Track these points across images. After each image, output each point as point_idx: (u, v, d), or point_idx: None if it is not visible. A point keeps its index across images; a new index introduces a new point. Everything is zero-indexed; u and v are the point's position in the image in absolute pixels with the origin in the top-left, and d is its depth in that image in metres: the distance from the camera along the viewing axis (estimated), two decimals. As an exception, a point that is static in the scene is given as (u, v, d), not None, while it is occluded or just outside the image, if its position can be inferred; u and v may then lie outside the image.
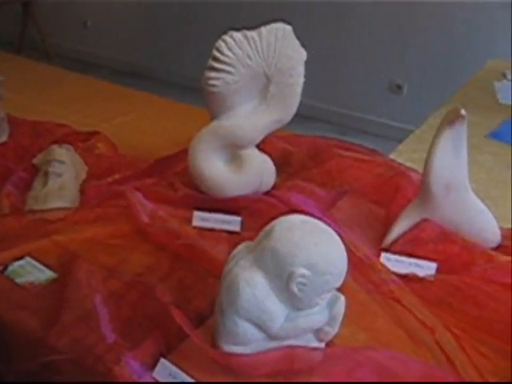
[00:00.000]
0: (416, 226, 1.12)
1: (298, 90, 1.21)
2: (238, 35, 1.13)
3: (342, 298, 0.85)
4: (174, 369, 0.85)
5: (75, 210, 1.18)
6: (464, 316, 0.97)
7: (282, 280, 0.80)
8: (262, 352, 0.83)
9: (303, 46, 1.18)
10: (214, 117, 1.20)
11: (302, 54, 1.20)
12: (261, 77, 1.17)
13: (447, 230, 1.09)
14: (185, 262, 1.06)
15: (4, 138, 1.49)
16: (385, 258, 1.08)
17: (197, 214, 1.16)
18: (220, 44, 1.13)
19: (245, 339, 0.83)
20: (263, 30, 1.15)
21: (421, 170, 1.32)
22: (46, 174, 1.22)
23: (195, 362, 0.86)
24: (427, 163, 1.08)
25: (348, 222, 1.20)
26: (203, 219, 1.16)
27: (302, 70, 1.21)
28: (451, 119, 1.06)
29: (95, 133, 1.45)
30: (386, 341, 0.93)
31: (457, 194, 1.10)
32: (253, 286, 0.80)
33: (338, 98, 3.02)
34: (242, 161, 1.20)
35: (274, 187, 1.26)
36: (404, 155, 1.43)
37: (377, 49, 2.84)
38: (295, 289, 0.80)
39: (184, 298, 0.98)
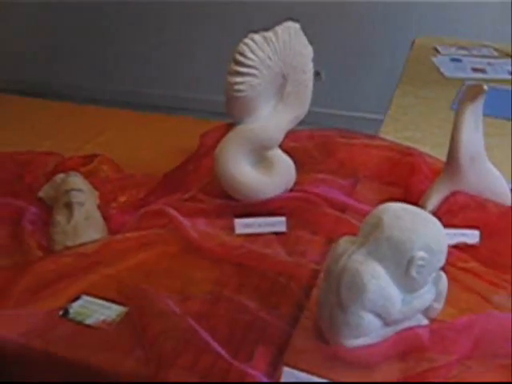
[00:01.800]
0: (446, 199, 1.19)
1: (311, 85, 1.24)
2: (257, 37, 1.13)
3: (443, 273, 0.90)
4: (302, 375, 0.84)
5: (112, 239, 1.11)
6: (523, 271, 1.05)
7: (401, 266, 0.83)
8: (386, 339, 0.86)
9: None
10: (238, 122, 1.19)
11: (310, 50, 1.23)
12: (278, 77, 1.17)
13: (477, 198, 1.17)
14: (251, 271, 1.04)
15: (-15, 177, 1.37)
16: (431, 232, 1.13)
17: (238, 221, 1.15)
18: (242, 48, 1.12)
19: (367, 330, 0.85)
20: (278, 29, 1.16)
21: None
22: (69, 205, 1.14)
23: (313, 363, 0.86)
24: (454, 138, 1.15)
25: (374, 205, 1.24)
26: (246, 226, 1.15)
27: (311, 65, 1.23)
28: (473, 95, 1.13)
29: (94, 156, 1.37)
30: (467, 308, 0.99)
31: (479, 163, 1.18)
32: (377, 277, 0.82)
33: None
34: (270, 162, 1.21)
35: (294, 184, 1.28)
36: (390, 136, 1.50)
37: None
38: (414, 273, 0.83)
39: (269, 304, 0.97)
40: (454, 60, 1.95)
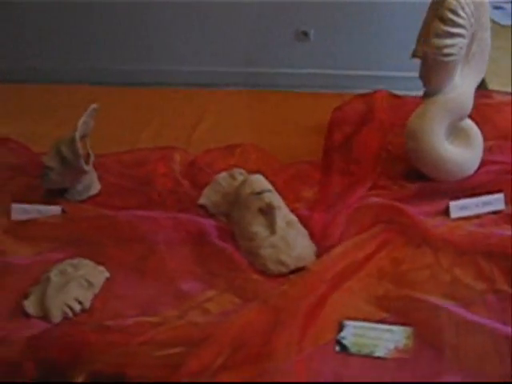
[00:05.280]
0: None
1: (490, 42, 1.10)
2: (464, -9, 0.97)
3: None
4: None
5: (346, 246, 0.92)
6: None
7: None
8: None
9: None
10: (435, 90, 1.03)
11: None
12: (469, 36, 1.03)
13: None
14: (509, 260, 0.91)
15: (97, 187, 1.09)
16: None
17: (454, 204, 1.01)
18: (454, 4, 0.96)
19: None
20: (473, -22, 1.00)
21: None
22: (266, 211, 0.93)
23: None
24: None
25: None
26: (463, 208, 1.01)
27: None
28: None
29: (234, 146, 1.16)
30: None
31: None
32: None
33: (242, 57, 2.84)
34: (466, 134, 1.07)
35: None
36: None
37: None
38: None
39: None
40: (497, 8, 1.89)
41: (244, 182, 0.97)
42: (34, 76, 2.09)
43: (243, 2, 2.81)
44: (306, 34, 2.87)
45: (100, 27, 2.98)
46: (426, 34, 1.00)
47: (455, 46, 0.97)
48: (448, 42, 0.97)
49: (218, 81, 2.86)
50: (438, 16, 0.97)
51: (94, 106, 1.03)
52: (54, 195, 1.08)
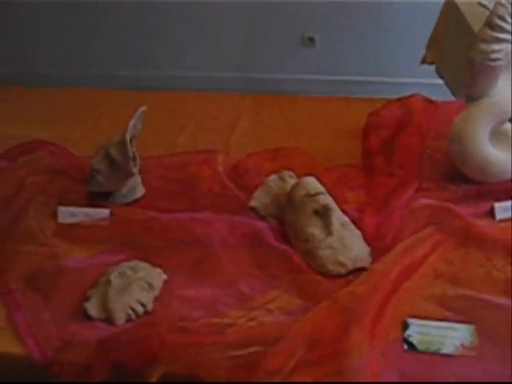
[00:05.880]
0: None
1: (527, 48, 1.13)
2: (511, -3, 1.00)
3: None
4: None
5: (403, 246, 0.93)
6: None
7: None
8: None
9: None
10: (480, 95, 1.05)
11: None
12: (512, 41, 1.06)
13: None
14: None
15: (142, 190, 1.10)
16: None
17: (499, 205, 1.03)
18: (501, 10, 0.98)
19: None
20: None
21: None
22: (322, 213, 0.94)
23: None
24: None
25: None
26: (507, 209, 1.03)
27: (526, 26, 1.12)
28: None
29: (279, 149, 1.17)
30: None
31: None
32: None
33: (247, 63, 2.85)
34: (508, 136, 1.09)
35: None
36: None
37: (283, 4, 2.71)
38: None
39: None
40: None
41: (297, 185, 0.98)
42: (57, 81, 2.08)
43: (248, 8, 2.83)
44: (311, 39, 2.91)
45: (118, 32, 2.97)
46: (472, 40, 1.02)
47: (502, 51, 1.00)
48: (495, 47, 0.99)
49: (223, 86, 2.87)
50: (486, 22, 0.99)
51: (143, 108, 1.04)
52: (97, 198, 1.08)
